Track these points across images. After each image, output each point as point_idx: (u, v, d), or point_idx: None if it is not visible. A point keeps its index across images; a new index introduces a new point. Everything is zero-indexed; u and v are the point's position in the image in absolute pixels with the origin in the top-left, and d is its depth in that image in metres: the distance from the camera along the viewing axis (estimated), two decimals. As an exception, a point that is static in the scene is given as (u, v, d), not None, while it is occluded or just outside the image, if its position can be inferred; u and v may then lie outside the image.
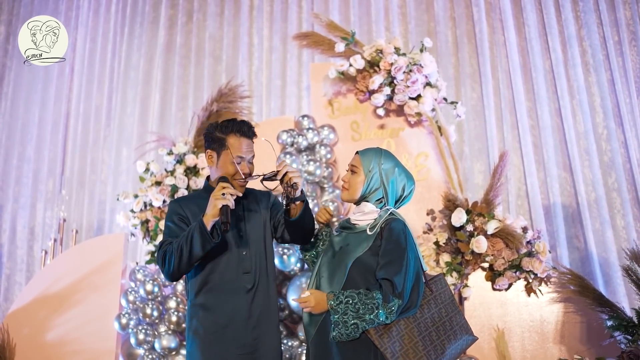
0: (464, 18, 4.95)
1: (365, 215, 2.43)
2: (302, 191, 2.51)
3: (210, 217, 2.35)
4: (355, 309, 2.19)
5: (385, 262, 2.27)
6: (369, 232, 2.37)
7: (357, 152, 2.51)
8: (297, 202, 2.51)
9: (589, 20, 4.63)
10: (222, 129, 2.62)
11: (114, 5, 5.90)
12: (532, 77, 4.64)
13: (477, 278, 3.54)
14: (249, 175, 2.57)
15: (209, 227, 2.35)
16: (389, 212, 2.40)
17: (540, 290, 3.45)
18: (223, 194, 2.37)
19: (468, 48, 4.91)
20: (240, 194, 2.49)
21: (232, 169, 2.57)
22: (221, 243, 2.51)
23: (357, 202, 2.49)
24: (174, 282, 3.81)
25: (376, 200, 2.44)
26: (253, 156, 2.62)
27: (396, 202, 2.46)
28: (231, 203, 2.36)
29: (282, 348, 2.80)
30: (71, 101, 5.81)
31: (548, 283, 3.48)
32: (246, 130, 2.62)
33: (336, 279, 2.35)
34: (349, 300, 2.21)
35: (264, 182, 2.49)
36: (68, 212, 5.41)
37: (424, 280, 2.35)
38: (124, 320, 3.76)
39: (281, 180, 2.45)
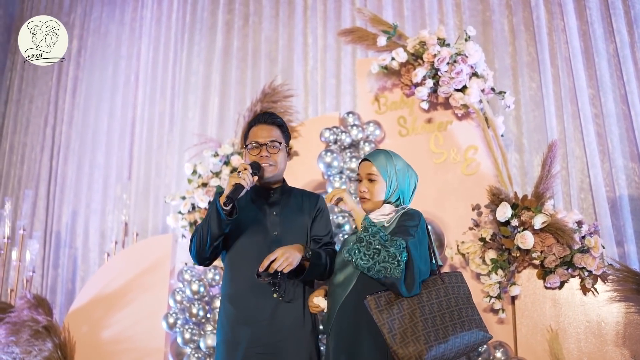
0: (521, 5, 4.70)
1: (385, 216, 2.42)
2: (306, 256, 2.48)
3: (224, 196, 2.38)
4: (384, 239, 2.18)
5: (399, 230, 2.27)
6: (386, 225, 2.35)
7: (364, 159, 2.48)
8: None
9: (660, -4, 4.27)
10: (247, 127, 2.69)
11: (175, 14, 6.06)
12: (594, 63, 4.31)
13: (528, 276, 3.34)
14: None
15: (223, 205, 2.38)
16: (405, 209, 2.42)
17: (595, 289, 3.21)
18: (239, 172, 2.41)
19: (525, 36, 4.65)
20: (250, 185, 2.45)
21: (249, 157, 2.60)
22: (257, 243, 2.53)
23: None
24: (206, 268, 3.83)
25: (394, 201, 2.45)
26: (273, 141, 2.58)
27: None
28: (245, 183, 2.38)
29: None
30: (136, 108, 6.02)
31: (605, 281, 3.23)
32: (260, 117, 2.66)
33: (346, 271, 2.38)
34: (379, 232, 2.20)
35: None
36: (134, 215, 5.59)
37: (433, 268, 2.34)
38: (171, 320, 3.83)
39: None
